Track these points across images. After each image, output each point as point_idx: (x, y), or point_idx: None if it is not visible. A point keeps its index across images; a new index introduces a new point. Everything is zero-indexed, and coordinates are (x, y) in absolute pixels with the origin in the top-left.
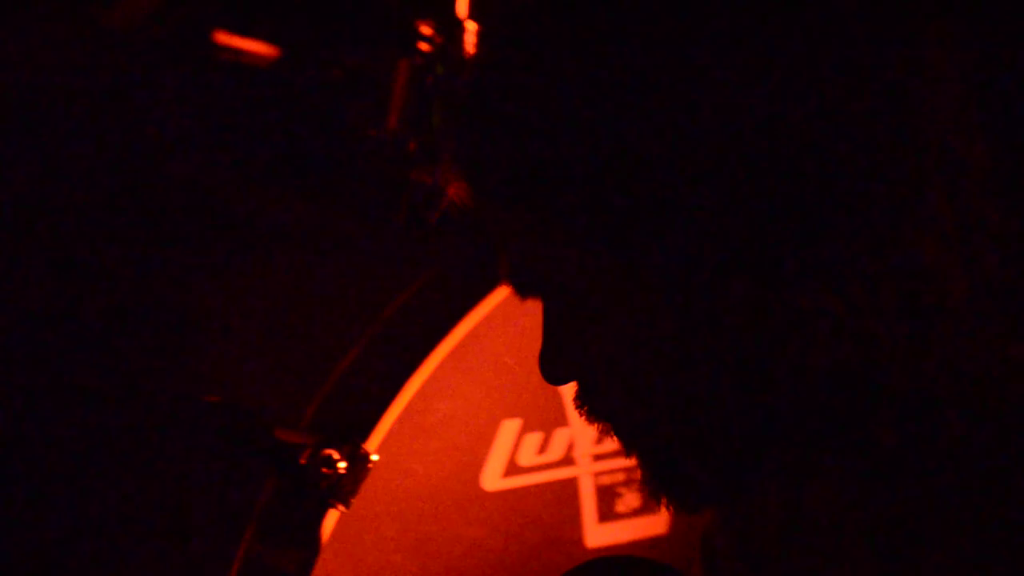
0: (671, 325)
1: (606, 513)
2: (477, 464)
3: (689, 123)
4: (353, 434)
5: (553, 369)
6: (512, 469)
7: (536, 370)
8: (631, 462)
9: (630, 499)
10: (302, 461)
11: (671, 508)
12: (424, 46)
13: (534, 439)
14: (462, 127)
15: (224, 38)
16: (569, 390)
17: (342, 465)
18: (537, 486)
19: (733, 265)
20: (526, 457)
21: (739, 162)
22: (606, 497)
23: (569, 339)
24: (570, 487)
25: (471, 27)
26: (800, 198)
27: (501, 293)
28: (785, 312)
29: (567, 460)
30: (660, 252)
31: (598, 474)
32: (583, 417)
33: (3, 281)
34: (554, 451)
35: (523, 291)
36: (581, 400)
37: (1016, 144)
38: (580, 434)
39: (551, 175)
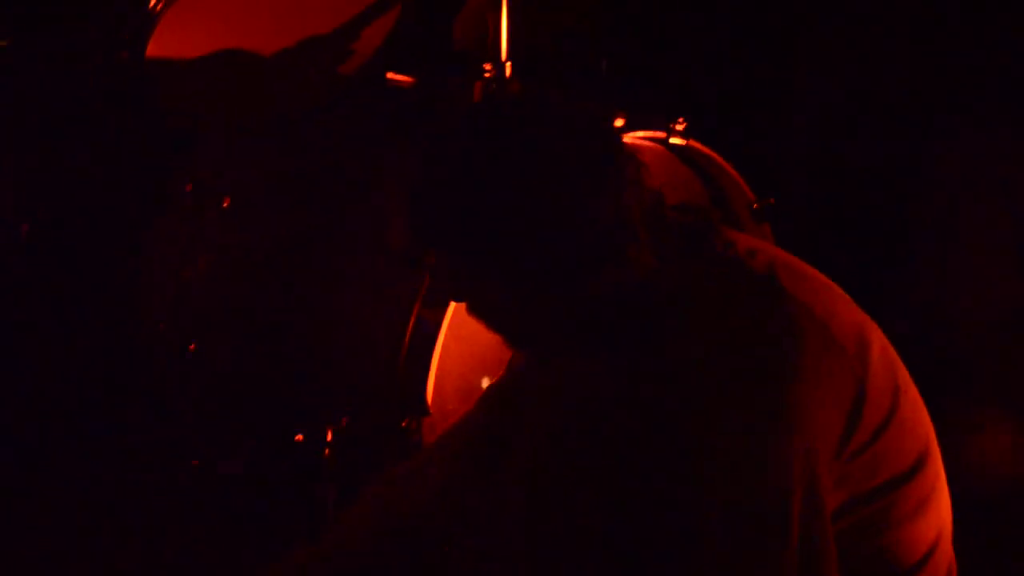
0: (544, 299)
1: None
2: None
3: (531, 214)
4: None
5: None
6: None
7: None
8: None
9: None
10: None
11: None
12: (487, 75)
13: None
14: (417, 212)
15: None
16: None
17: None
18: None
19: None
20: None
21: (561, 231)
22: None
23: (498, 323)
24: None
25: (509, 66)
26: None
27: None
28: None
29: None
30: (534, 267)
31: None
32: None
33: None
34: None
35: (457, 300)
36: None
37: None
38: None
39: (472, 237)
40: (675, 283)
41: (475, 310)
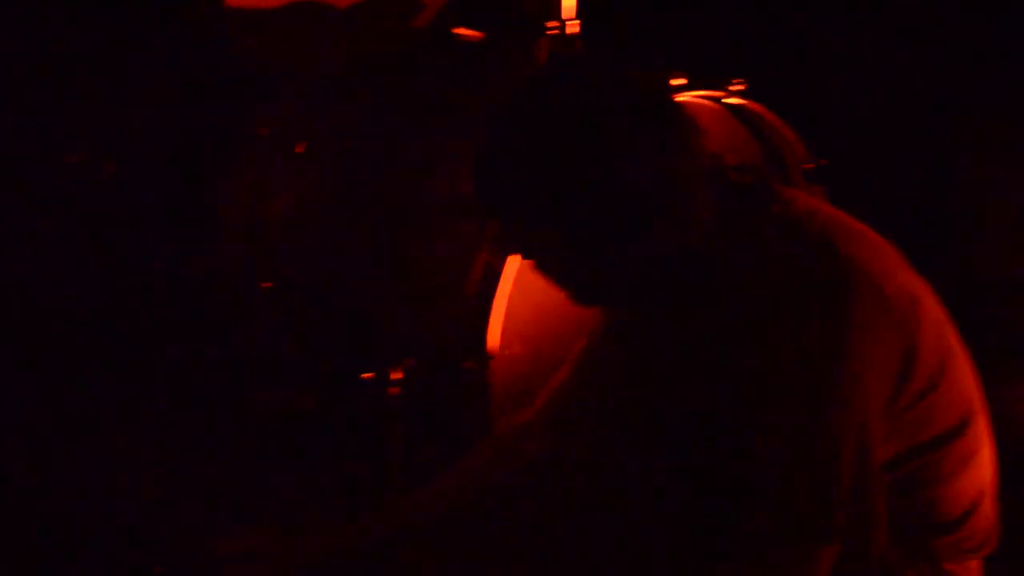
0: (603, 257)
1: None
2: None
3: (590, 175)
4: None
5: (578, 299)
6: None
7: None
8: None
9: None
10: None
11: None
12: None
13: None
14: (481, 178)
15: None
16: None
17: None
18: None
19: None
20: None
21: (632, 193)
22: None
23: (568, 281)
24: None
25: (572, 24)
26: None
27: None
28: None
29: None
30: (592, 225)
31: None
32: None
33: None
34: None
35: (523, 256)
36: (576, 299)
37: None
38: None
39: (534, 201)
40: (734, 241)
41: (539, 267)
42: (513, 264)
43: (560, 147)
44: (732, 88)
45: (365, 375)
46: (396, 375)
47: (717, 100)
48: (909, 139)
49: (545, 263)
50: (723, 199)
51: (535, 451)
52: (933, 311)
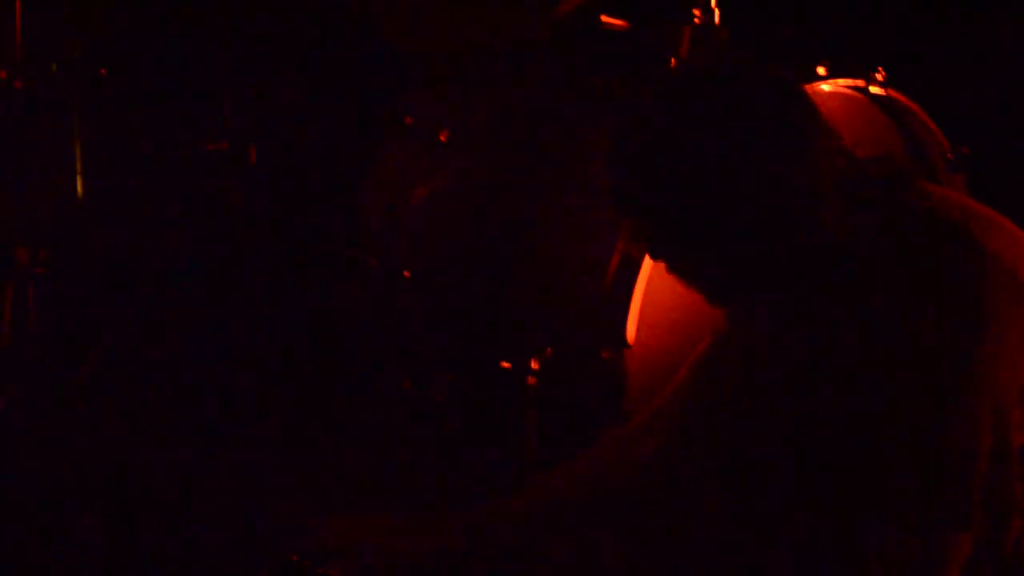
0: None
1: None
2: None
3: (725, 182)
4: None
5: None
6: None
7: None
8: None
9: None
10: None
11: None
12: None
13: None
14: (616, 180)
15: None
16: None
17: None
18: None
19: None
20: None
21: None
22: None
23: (697, 282)
24: None
25: (716, 11)
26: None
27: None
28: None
29: None
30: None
31: None
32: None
33: None
34: None
35: (655, 257)
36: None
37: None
38: None
39: (669, 205)
40: (868, 234)
41: (674, 270)
42: None
43: (695, 146)
44: (875, 77)
45: (504, 364)
46: (534, 365)
47: (860, 89)
48: None
49: (679, 265)
50: (859, 192)
51: (649, 455)
52: None
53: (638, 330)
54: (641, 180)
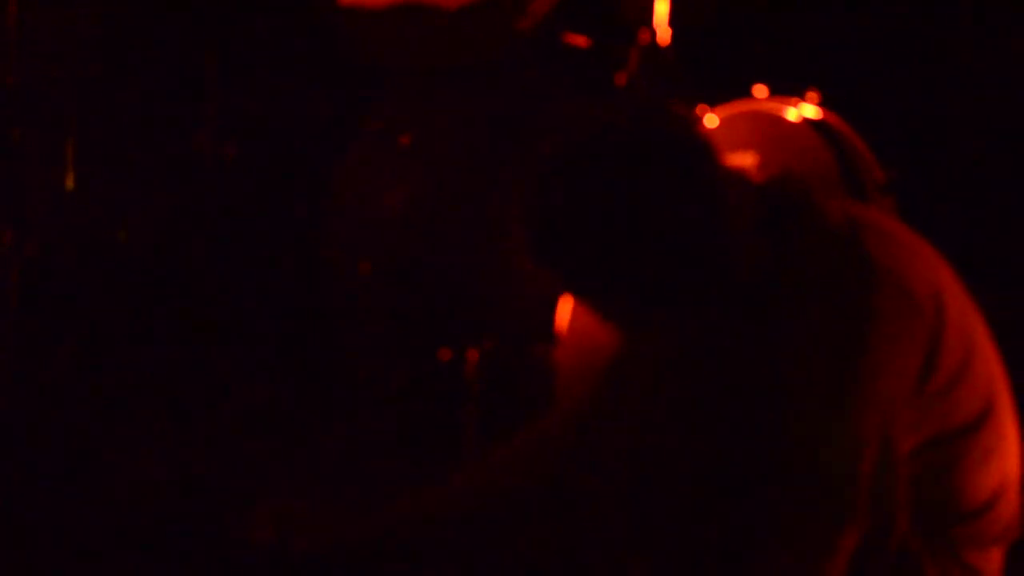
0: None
1: None
2: None
3: (639, 243)
4: None
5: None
6: None
7: None
8: None
9: None
10: None
11: None
12: (643, 41)
13: None
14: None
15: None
16: None
17: None
18: None
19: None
20: None
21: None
22: None
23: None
24: None
25: (664, 32)
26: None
27: None
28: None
29: None
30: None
31: None
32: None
33: None
34: None
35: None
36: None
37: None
38: None
39: (604, 266)
40: (766, 255)
41: (588, 306)
42: None
43: (609, 203)
44: (808, 99)
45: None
46: (473, 355)
47: (795, 111)
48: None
49: (597, 305)
50: (758, 215)
51: (555, 459)
52: (960, 307)
53: (568, 327)
54: (560, 243)
